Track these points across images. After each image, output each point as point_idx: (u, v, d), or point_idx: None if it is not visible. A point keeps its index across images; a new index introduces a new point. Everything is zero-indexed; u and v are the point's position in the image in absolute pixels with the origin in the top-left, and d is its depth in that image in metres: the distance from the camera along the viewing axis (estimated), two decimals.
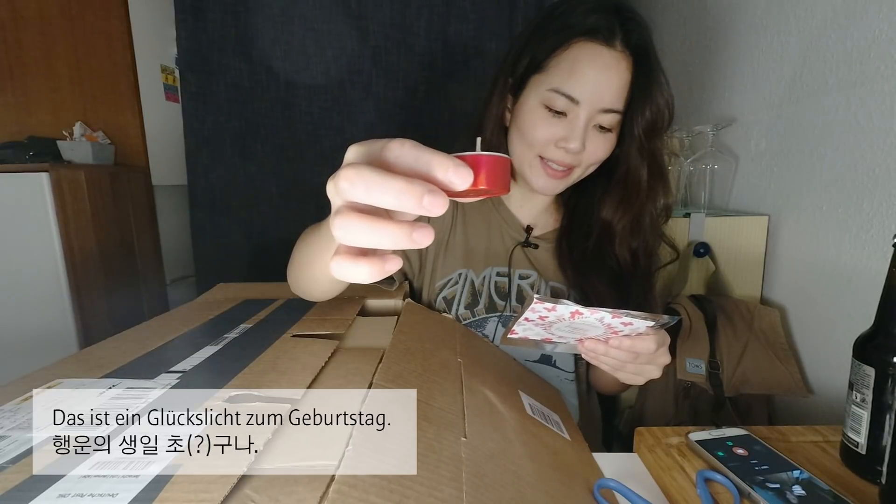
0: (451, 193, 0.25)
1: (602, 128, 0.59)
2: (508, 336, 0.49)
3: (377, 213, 0.25)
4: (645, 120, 0.60)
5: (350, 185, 0.24)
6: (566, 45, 0.57)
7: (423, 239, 0.24)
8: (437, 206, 0.23)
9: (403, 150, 0.25)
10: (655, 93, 0.59)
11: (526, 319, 0.45)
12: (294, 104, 1.11)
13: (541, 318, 0.44)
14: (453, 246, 0.69)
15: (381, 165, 0.25)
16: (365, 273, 0.26)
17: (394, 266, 0.26)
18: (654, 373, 0.50)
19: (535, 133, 0.60)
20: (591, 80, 0.56)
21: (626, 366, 0.48)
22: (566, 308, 0.41)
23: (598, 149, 0.60)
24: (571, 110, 0.58)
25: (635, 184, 0.63)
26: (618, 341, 0.46)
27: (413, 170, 0.25)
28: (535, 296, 0.41)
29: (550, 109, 0.58)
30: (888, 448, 0.38)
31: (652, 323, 0.43)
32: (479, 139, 0.29)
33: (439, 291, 0.68)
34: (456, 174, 0.24)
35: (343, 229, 0.25)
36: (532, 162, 0.62)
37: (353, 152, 0.27)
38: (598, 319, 0.43)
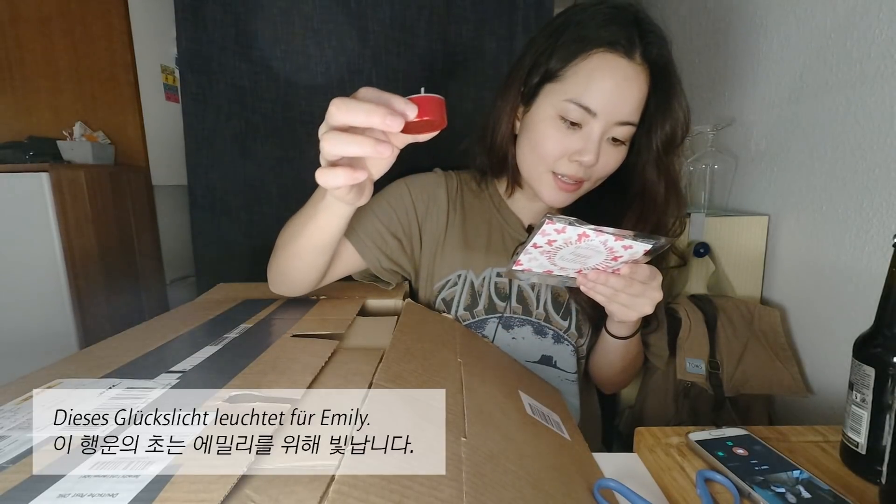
0: (407, 128, 0.38)
1: (615, 140, 0.58)
2: (513, 268, 0.52)
3: (356, 131, 0.38)
4: (664, 133, 0.59)
5: (337, 109, 0.37)
6: (584, 55, 0.55)
7: (383, 150, 0.37)
8: (395, 123, 0.36)
9: (369, 92, 0.39)
10: (675, 106, 0.58)
11: (534, 245, 0.47)
12: (294, 104, 1.11)
13: (549, 241, 0.46)
14: (451, 247, 0.68)
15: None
16: (341, 175, 0.39)
17: (361, 175, 0.40)
18: (646, 307, 0.54)
19: (549, 146, 0.58)
20: (610, 91, 0.55)
21: (619, 295, 0.53)
22: (574, 230, 0.45)
23: (610, 161, 0.59)
24: (587, 122, 0.56)
25: (653, 197, 0.63)
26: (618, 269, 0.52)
27: (378, 102, 0.37)
28: (547, 216, 0.44)
29: (565, 120, 0.57)
30: (888, 448, 0.38)
31: (649, 246, 0.48)
32: (422, 88, 0.39)
33: (438, 293, 0.68)
34: (406, 106, 0.38)
35: (329, 140, 0.38)
36: (542, 176, 0.61)
37: (333, 102, 0.38)
38: (601, 242, 0.47)
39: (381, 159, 0.42)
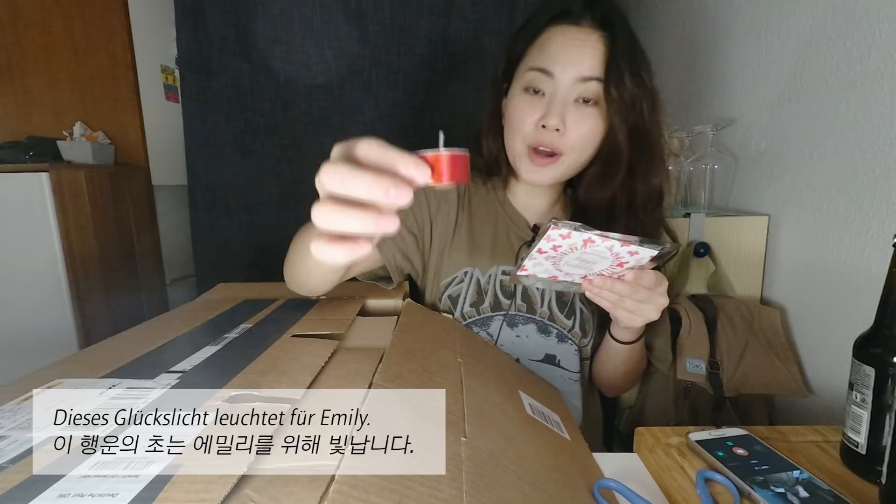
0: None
1: (585, 101, 0.59)
2: (518, 273, 0.52)
3: (355, 203, 0.29)
4: (625, 86, 0.58)
5: (328, 178, 0.28)
6: (540, 32, 0.60)
7: (388, 226, 0.29)
8: (401, 198, 0.28)
9: (371, 149, 0.29)
10: (636, 59, 0.59)
11: (539, 251, 0.47)
12: (294, 104, 1.11)
13: (554, 247, 0.46)
14: (458, 244, 0.69)
15: (355, 162, 0.29)
16: (340, 253, 0.29)
17: (364, 250, 0.30)
18: (652, 313, 0.53)
19: (519, 117, 0.61)
20: (563, 50, 0.58)
21: (624, 301, 0.52)
22: (580, 235, 0.44)
23: (582, 125, 0.59)
24: (548, 85, 0.59)
25: (617, 155, 0.60)
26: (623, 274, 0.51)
27: (380, 166, 0.29)
28: (553, 221, 0.43)
29: (529, 90, 0.60)
30: (888, 448, 0.38)
31: (655, 252, 0.47)
32: (441, 133, 0.32)
33: (444, 290, 0.68)
34: (416, 171, 0.29)
35: (320, 214, 0.28)
36: (521, 153, 0.63)
37: (335, 151, 0.30)
38: (607, 248, 0.46)
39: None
